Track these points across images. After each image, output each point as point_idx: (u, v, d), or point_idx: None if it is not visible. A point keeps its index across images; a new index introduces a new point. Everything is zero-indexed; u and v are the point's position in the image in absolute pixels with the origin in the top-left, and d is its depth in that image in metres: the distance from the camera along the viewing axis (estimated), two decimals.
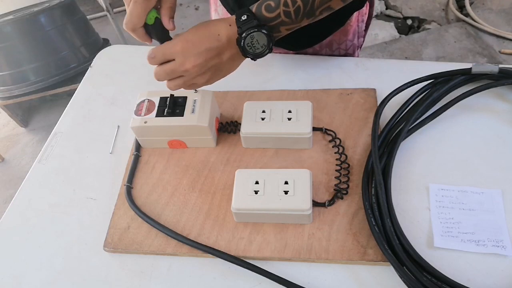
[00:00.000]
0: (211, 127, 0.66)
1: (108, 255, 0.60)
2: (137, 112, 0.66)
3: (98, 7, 2.32)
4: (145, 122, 0.65)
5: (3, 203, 1.75)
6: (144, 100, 0.68)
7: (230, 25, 0.53)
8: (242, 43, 0.52)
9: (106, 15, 1.99)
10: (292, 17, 0.52)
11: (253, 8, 0.53)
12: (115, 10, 2.48)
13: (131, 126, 0.66)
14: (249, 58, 0.55)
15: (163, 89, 0.63)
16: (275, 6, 0.52)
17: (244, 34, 0.51)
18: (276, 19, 0.53)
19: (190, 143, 0.68)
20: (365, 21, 0.81)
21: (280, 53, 0.82)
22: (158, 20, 0.53)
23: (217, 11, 0.83)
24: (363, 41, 0.85)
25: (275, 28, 0.54)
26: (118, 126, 0.75)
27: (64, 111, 0.81)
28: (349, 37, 0.78)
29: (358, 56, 0.86)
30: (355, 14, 0.75)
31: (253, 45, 0.53)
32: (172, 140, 0.68)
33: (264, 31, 0.52)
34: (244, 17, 0.52)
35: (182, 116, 0.64)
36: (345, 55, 0.83)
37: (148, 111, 0.66)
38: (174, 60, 0.54)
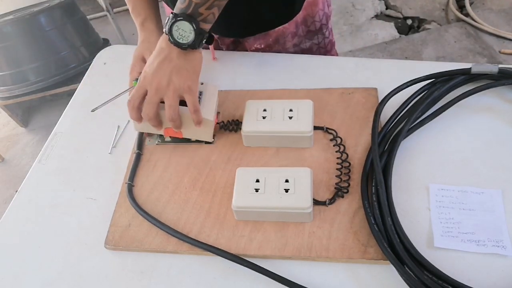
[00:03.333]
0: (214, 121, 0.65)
1: (108, 255, 0.60)
2: None
3: (98, 7, 2.32)
4: None
5: (3, 203, 1.74)
6: None
7: (164, 34, 0.58)
8: (172, 39, 0.56)
9: (106, 15, 1.99)
10: None
11: (174, 9, 0.58)
12: (115, 10, 2.48)
13: None
14: (193, 49, 0.58)
15: None
16: None
17: (167, 31, 0.56)
18: (190, 6, 0.56)
19: (187, 133, 0.67)
20: None
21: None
22: None
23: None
24: (332, 10, 0.87)
25: (194, 13, 0.57)
26: (118, 126, 0.75)
27: (64, 111, 0.81)
28: (319, 7, 0.80)
29: (331, 27, 0.88)
30: None
31: (183, 35, 0.56)
32: (169, 128, 0.66)
33: (180, 18, 0.55)
34: (166, 20, 0.57)
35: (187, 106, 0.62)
36: (321, 27, 0.84)
37: None
38: (147, 88, 0.58)
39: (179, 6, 0.57)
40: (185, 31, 0.56)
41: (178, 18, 0.55)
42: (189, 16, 0.56)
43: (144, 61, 0.71)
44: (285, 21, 0.79)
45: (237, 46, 0.86)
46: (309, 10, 0.80)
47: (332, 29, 0.90)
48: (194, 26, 0.56)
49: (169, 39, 0.56)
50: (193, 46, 0.57)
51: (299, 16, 0.80)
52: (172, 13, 0.57)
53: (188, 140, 0.69)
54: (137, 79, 0.69)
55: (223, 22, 0.74)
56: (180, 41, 0.56)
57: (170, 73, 0.57)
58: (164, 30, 0.57)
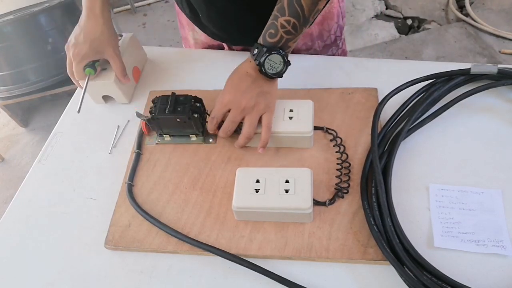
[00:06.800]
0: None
1: (108, 255, 0.60)
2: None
3: None
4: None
5: (3, 203, 1.74)
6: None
7: (250, 61, 0.63)
8: (263, 70, 0.61)
9: None
10: (292, 33, 0.60)
11: (260, 40, 0.62)
12: (115, 10, 2.48)
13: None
14: (280, 77, 0.64)
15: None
16: (275, 31, 0.60)
17: (260, 62, 0.61)
18: (281, 41, 0.61)
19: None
20: (344, 0, 0.85)
21: None
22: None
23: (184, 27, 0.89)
24: (345, 21, 0.89)
25: (284, 47, 0.62)
26: (118, 126, 0.75)
27: (64, 111, 0.81)
28: (334, 20, 0.82)
29: (344, 37, 0.90)
30: None
31: (273, 67, 0.62)
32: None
33: (274, 52, 0.60)
34: (255, 51, 0.61)
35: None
36: (335, 40, 0.85)
37: None
38: (229, 110, 0.63)
39: (268, 40, 0.61)
40: (276, 63, 0.61)
41: (273, 52, 0.60)
42: (280, 49, 0.61)
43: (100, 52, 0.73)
44: None
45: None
46: (325, 24, 0.81)
47: (345, 39, 0.91)
48: (285, 58, 0.62)
49: (260, 70, 0.61)
50: (280, 75, 0.63)
51: (314, 30, 0.80)
52: (260, 45, 0.61)
53: (187, 140, 0.70)
54: (88, 65, 0.72)
55: (234, 32, 0.77)
56: (270, 71, 0.62)
57: (257, 96, 0.62)
58: (254, 60, 0.61)
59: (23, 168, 1.87)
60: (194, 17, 0.80)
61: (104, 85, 0.75)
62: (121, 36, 0.80)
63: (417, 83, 0.68)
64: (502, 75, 0.67)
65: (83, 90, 0.73)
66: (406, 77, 0.68)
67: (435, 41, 2.01)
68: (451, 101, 0.67)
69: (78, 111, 0.70)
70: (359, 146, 0.65)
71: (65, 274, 0.59)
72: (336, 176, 0.62)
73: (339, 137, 0.66)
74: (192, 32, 0.88)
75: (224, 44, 0.86)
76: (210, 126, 0.66)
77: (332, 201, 0.59)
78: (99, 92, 0.78)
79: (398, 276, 0.51)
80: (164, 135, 0.70)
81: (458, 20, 2.10)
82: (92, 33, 0.71)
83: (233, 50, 0.87)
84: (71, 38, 0.72)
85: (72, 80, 0.76)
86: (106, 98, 0.79)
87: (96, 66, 0.74)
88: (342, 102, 0.71)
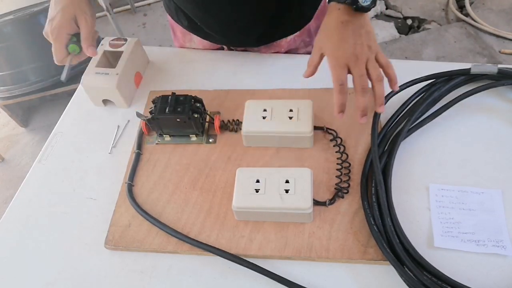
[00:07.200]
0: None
1: (108, 255, 0.60)
2: None
3: (98, 7, 2.32)
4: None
5: (3, 203, 1.74)
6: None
7: (339, 9, 0.57)
8: (359, 4, 0.56)
9: (106, 15, 1.99)
10: None
11: None
12: (115, 10, 2.48)
13: None
14: (374, 6, 0.58)
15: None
16: None
17: (352, 0, 0.55)
18: None
19: None
20: None
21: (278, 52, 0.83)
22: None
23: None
24: None
25: None
26: (118, 126, 0.75)
27: (64, 111, 0.81)
28: None
29: None
30: None
31: None
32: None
33: None
34: None
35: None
36: None
37: None
38: (348, 65, 0.57)
39: None
40: None
41: None
42: None
43: (76, 22, 0.67)
44: (296, 31, 0.80)
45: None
46: (321, 19, 0.80)
47: None
48: None
49: (356, 7, 0.56)
50: (374, 2, 0.57)
51: (312, 26, 0.80)
52: None
53: (187, 140, 0.70)
54: (72, 41, 0.67)
55: (233, 34, 0.77)
56: (365, 4, 0.56)
57: (366, 38, 0.58)
58: (345, 2, 0.56)
59: (23, 168, 1.87)
60: (193, 27, 0.80)
61: (106, 90, 0.75)
62: (125, 40, 0.79)
63: (417, 83, 0.68)
64: (502, 75, 0.67)
65: (67, 64, 0.69)
66: (406, 77, 0.68)
67: (435, 41, 2.01)
68: (451, 101, 0.67)
69: (63, 79, 0.69)
70: (359, 146, 0.65)
71: (65, 274, 0.59)
72: (336, 176, 0.62)
73: (339, 137, 0.66)
74: (189, 43, 0.88)
75: (225, 47, 0.87)
76: (342, 95, 0.58)
77: (332, 201, 0.59)
78: (99, 95, 0.78)
79: (398, 276, 0.51)
80: (164, 135, 0.70)
81: (458, 20, 2.10)
82: (62, 1, 0.66)
83: (233, 50, 0.87)
84: (47, 20, 0.67)
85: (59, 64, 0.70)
86: (105, 101, 0.79)
87: (81, 44, 0.68)
88: None
